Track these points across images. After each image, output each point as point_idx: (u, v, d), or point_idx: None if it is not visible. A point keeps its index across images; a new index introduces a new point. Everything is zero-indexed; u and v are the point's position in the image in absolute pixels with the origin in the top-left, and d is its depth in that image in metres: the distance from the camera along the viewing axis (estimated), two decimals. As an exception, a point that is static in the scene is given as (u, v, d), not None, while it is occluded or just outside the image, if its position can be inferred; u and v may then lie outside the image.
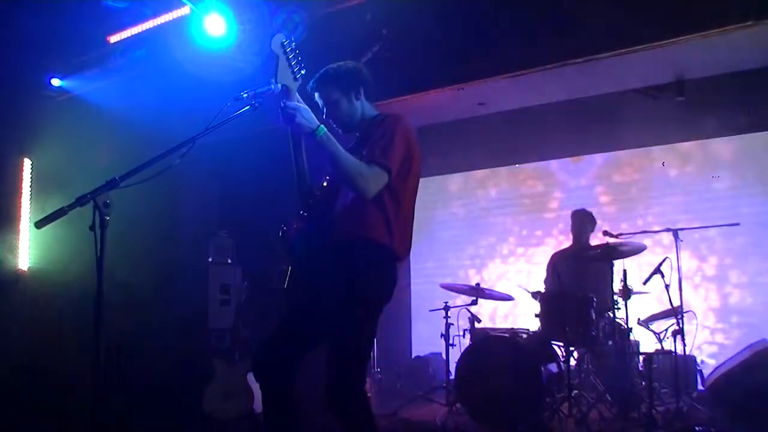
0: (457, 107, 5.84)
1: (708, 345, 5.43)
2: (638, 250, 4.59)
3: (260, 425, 2.79)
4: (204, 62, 5.10)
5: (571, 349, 4.41)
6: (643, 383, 4.27)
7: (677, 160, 5.84)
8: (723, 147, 5.64)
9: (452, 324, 5.03)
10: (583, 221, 5.36)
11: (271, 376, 2.53)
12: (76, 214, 1.98)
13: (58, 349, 5.34)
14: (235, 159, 6.02)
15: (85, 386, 2.02)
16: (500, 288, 5.65)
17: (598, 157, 6.27)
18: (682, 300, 4.53)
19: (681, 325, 4.31)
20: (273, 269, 5.48)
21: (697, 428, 3.95)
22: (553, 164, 6.50)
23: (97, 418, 1.98)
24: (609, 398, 4.47)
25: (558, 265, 5.05)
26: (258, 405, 4.61)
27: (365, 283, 2.46)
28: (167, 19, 5.28)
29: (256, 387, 4.58)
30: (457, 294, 5.18)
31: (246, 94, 2.35)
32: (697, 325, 4.72)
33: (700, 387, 4.88)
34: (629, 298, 4.37)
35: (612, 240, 4.68)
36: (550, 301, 4.58)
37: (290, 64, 2.43)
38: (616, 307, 4.39)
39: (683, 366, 4.48)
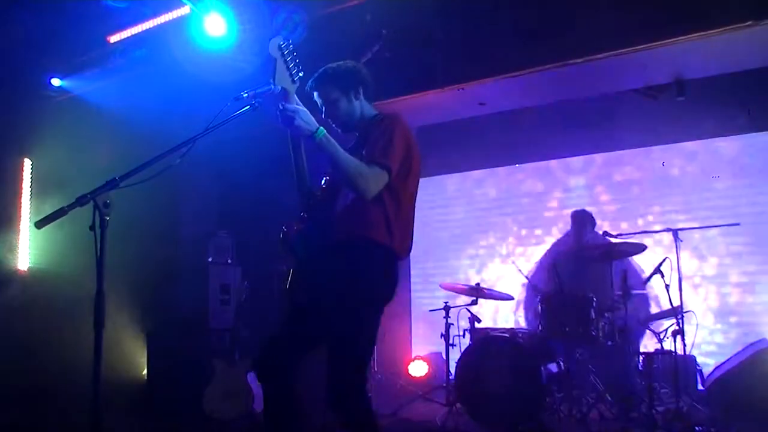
0: (456, 107, 5.83)
1: (706, 345, 5.43)
2: (638, 250, 4.60)
3: (260, 425, 2.78)
4: (204, 62, 5.09)
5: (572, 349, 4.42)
6: (643, 383, 4.27)
7: (677, 160, 5.84)
8: (723, 147, 5.63)
9: (452, 324, 5.02)
10: (583, 221, 5.36)
11: (273, 376, 2.53)
12: (76, 214, 1.98)
13: (58, 348, 5.34)
14: (235, 159, 6.02)
15: (85, 386, 2.01)
16: (500, 288, 5.64)
17: (598, 157, 6.25)
18: (682, 300, 4.54)
19: (681, 325, 4.31)
20: (274, 269, 5.50)
21: (697, 428, 3.96)
22: (553, 164, 6.49)
23: (97, 418, 1.98)
24: (609, 398, 4.47)
25: (558, 265, 5.05)
26: (258, 405, 4.61)
27: (366, 284, 2.46)
28: (167, 19, 5.28)
29: (256, 387, 4.63)
30: (457, 294, 5.18)
31: (246, 94, 2.36)
32: (696, 325, 4.72)
33: (700, 387, 4.88)
34: (629, 298, 4.38)
35: (612, 240, 4.68)
36: (550, 301, 4.58)
37: (288, 67, 2.43)
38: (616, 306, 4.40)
39: (683, 366, 4.47)
